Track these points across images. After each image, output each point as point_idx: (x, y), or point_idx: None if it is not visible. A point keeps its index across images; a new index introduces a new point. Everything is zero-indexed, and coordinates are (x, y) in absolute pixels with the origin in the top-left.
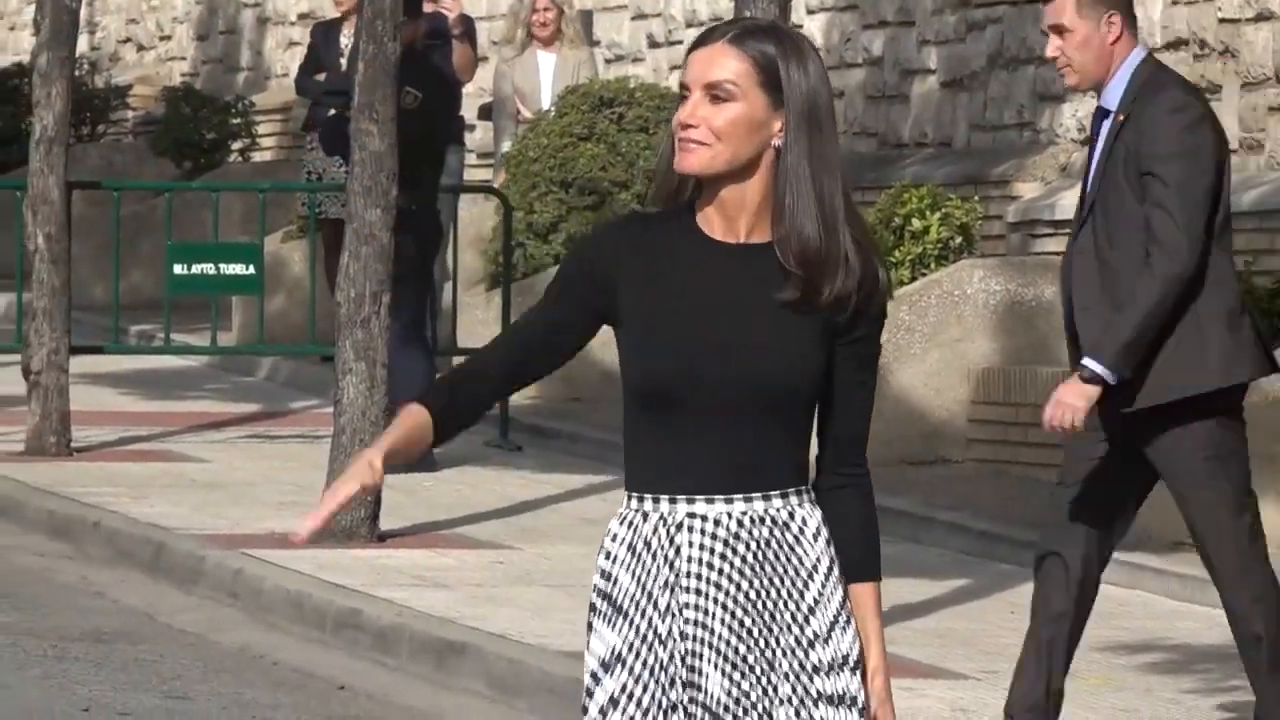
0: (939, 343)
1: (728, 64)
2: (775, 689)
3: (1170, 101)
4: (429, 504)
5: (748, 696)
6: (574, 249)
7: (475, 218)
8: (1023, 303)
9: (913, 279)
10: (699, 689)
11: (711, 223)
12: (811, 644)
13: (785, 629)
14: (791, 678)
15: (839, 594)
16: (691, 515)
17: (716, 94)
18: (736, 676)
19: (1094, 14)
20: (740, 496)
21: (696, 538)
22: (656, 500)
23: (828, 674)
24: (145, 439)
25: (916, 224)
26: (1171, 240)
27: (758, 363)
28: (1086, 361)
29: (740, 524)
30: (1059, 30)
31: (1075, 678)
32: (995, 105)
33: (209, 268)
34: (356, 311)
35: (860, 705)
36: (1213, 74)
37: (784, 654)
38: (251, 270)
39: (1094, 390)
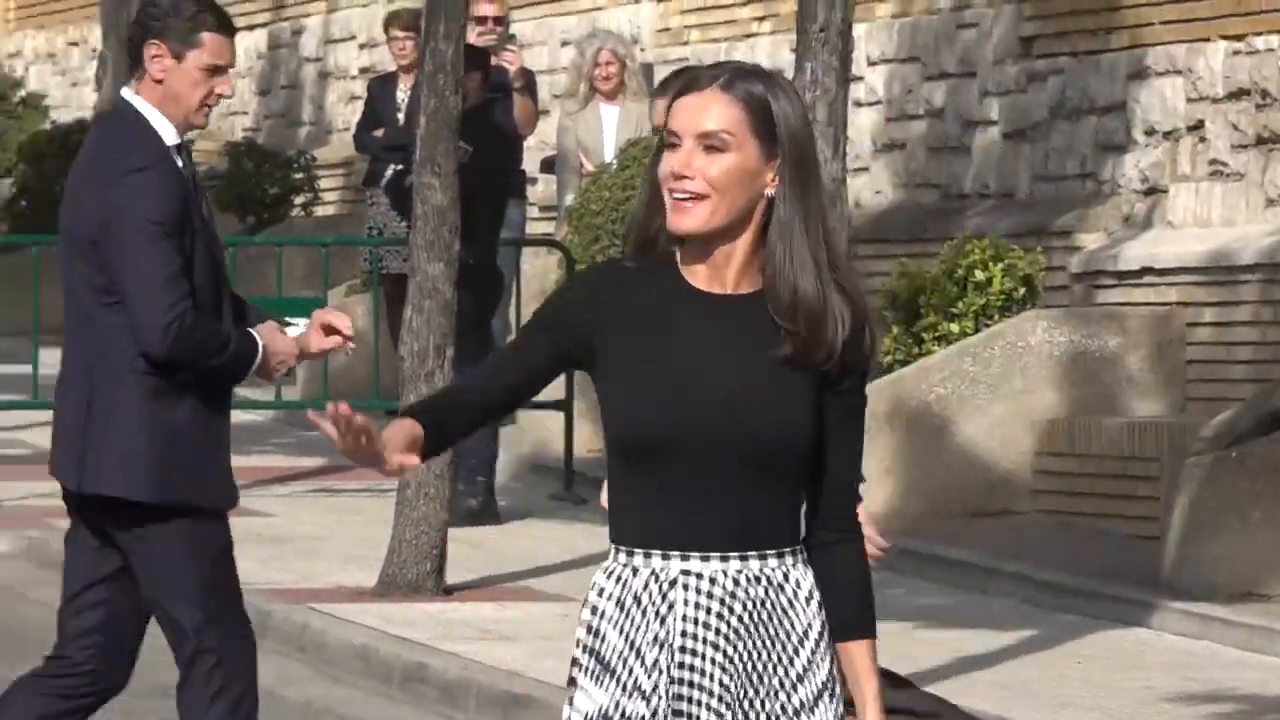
0: (1003, 394)
1: (722, 112)
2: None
3: None
4: (494, 557)
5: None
6: (554, 293)
7: (538, 271)
8: (1087, 353)
9: (976, 330)
10: (689, 717)
11: (696, 273)
12: (798, 712)
13: (773, 694)
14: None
15: (828, 663)
16: (686, 572)
17: (711, 144)
18: (720, 710)
19: None
20: (736, 555)
21: (692, 595)
22: (648, 555)
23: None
24: None
25: (979, 275)
26: None
27: (753, 418)
28: None
29: (736, 583)
30: None
31: None
32: (1057, 156)
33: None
34: (420, 366)
35: None
36: (1275, 124)
37: (768, 714)
38: None
39: None
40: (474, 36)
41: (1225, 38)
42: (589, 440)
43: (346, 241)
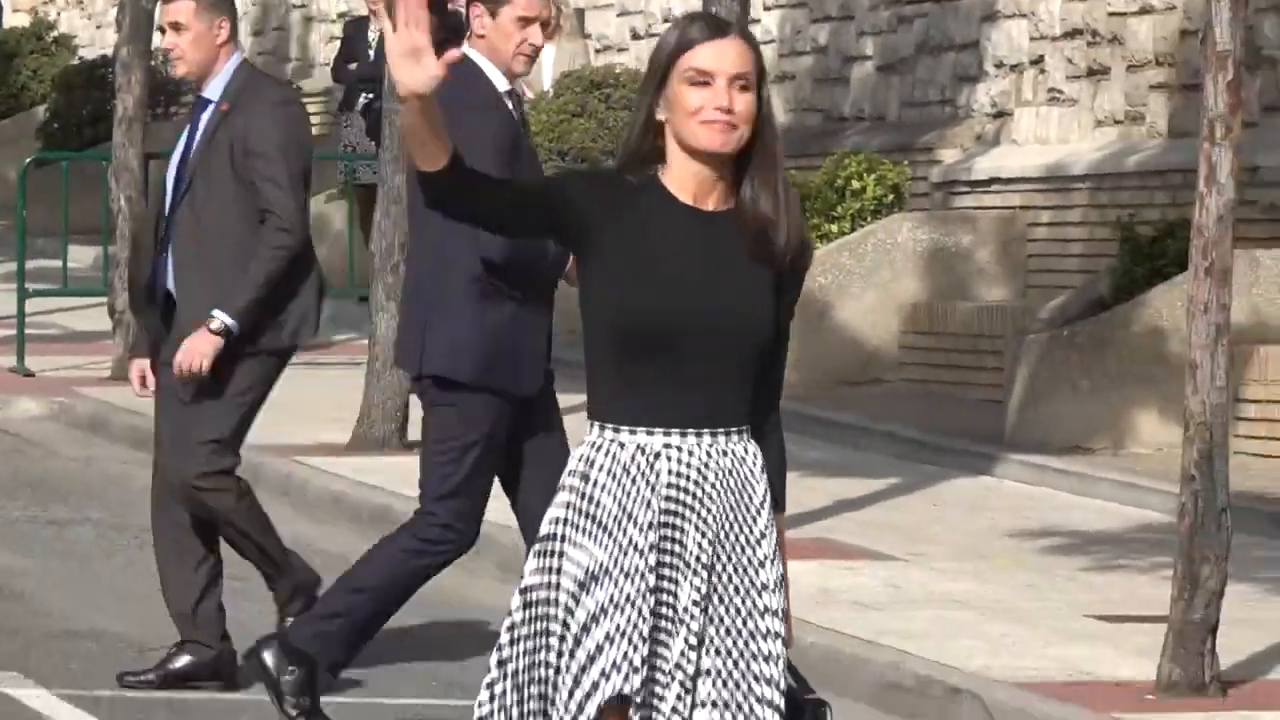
0: (874, 283)
1: (746, 56)
2: (728, 597)
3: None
4: None
5: (707, 599)
6: (552, 176)
7: None
8: (944, 249)
9: (852, 230)
10: (670, 594)
11: (684, 191)
12: (761, 565)
13: (740, 549)
14: (742, 591)
15: (774, 526)
16: (668, 445)
17: (743, 84)
18: (697, 582)
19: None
20: (708, 431)
21: (675, 465)
22: (634, 432)
23: (772, 592)
24: None
25: (855, 184)
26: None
27: (735, 313)
28: (217, 314)
29: (710, 455)
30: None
31: (986, 559)
32: (921, 85)
33: None
34: (387, 259)
35: (782, 618)
36: (1103, 58)
37: (736, 570)
38: None
39: (220, 341)
40: None
41: None
42: None
43: (326, 157)
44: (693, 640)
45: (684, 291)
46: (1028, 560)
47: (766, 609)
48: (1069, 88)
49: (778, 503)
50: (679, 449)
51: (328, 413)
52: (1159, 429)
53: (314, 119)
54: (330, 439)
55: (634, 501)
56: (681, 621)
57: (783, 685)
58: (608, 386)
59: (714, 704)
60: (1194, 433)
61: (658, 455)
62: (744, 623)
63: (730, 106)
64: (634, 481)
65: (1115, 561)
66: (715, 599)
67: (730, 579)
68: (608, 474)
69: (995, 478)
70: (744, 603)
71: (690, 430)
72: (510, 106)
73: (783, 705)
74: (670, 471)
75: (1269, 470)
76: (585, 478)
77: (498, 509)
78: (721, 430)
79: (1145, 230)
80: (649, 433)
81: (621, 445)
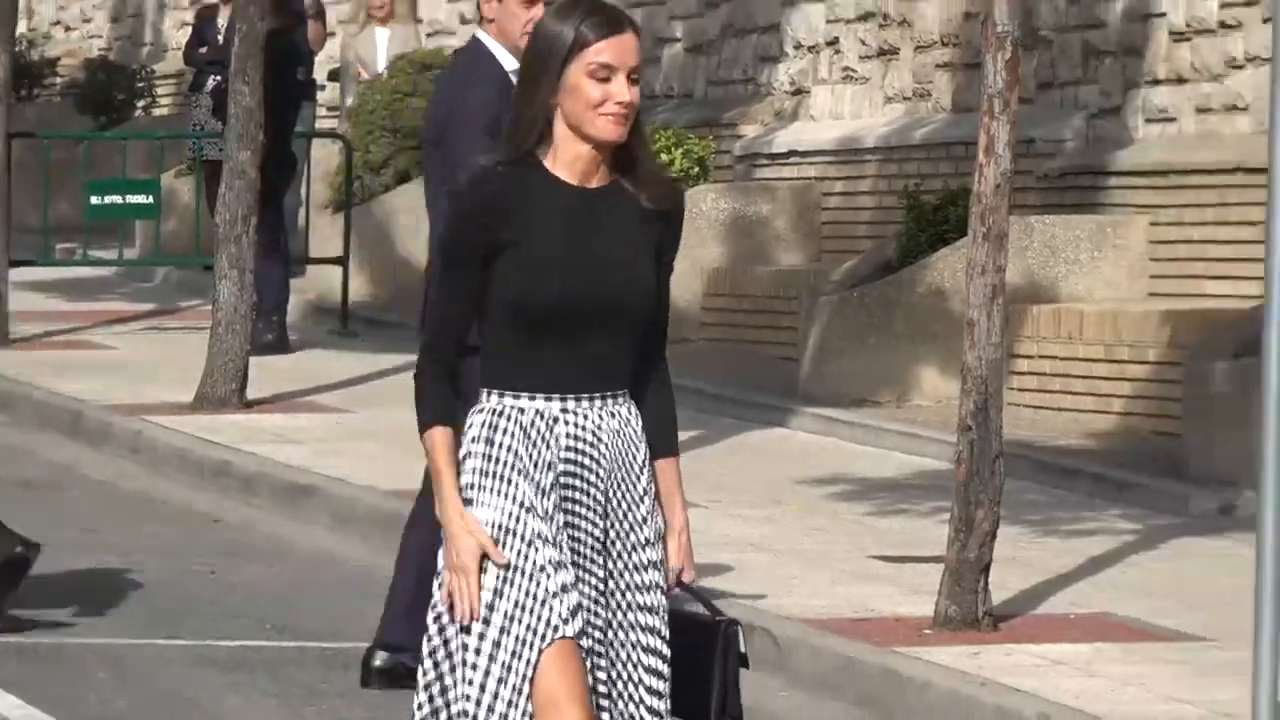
0: (680, 249)
1: (639, 49)
2: (614, 550)
3: None
4: (286, 378)
5: (600, 540)
6: (456, 226)
7: (324, 157)
8: (745, 217)
9: None
10: (575, 528)
11: (570, 172)
12: (642, 522)
13: (626, 508)
14: (628, 545)
15: (653, 484)
16: (564, 410)
17: (634, 78)
18: (596, 532)
19: None
20: (599, 395)
21: (570, 429)
22: (533, 398)
23: (651, 546)
24: (68, 332)
25: (665, 158)
26: None
27: (629, 285)
28: None
29: (601, 417)
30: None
31: (780, 505)
32: (726, 65)
33: (118, 199)
34: (231, 230)
35: (662, 569)
36: (893, 39)
37: (622, 525)
38: (151, 200)
39: None
40: None
41: None
42: (361, 288)
43: (176, 136)
44: (598, 585)
45: (581, 273)
46: (818, 506)
47: (649, 563)
48: (862, 67)
49: (672, 448)
50: (574, 413)
51: (174, 374)
52: (940, 383)
53: (166, 100)
54: (175, 399)
55: (540, 457)
56: (584, 554)
57: (664, 631)
58: (508, 358)
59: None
60: (971, 386)
61: (556, 420)
62: (630, 575)
63: (627, 99)
64: (534, 444)
65: (898, 506)
66: (611, 538)
67: (617, 533)
68: (511, 436)
69: (790, 429)
70: (629, 556)
71: (584, 395)
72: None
73: (664, 649)
74: (568, 435)
75: (1039, 421)
76: (490, 441)
77: (333, 465)
78: (610, 394)
79: (929, 199)
80: (547, 399)
81: (522, 410)
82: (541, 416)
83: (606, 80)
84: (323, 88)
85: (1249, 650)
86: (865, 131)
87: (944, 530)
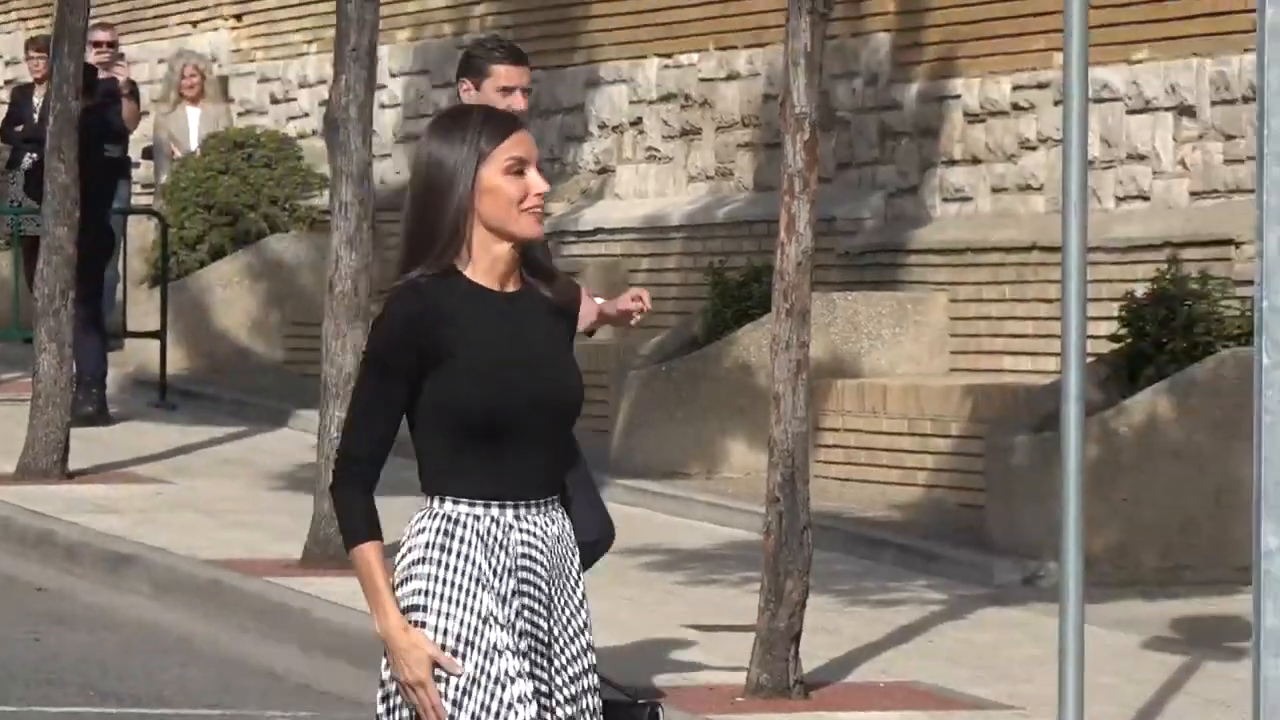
0: None
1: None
2: (555, 644)
3: None
4: (106, 449)
5: (545, 643)
6: (382, 338)
7: (140, 233)
8: None
9: None
10: (528, 634)
11: (490, 278)
12: (583, 629)
13: (570, 613)
14: (572, 649)
15: (586, 598)
16: (517, 517)
17: (539, 168)
18: (541, 624)
19: None
20: (543, 500)
21: (524, 536)
22: (487, 505)
23: (589, 652)
24: None
25: None
26: None
27: (565, 386)
28: None
29: (549, 521)
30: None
31: (592, 575)
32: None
33: None
34: (50, 305)
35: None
36: (695, 120)
37: (567, 629)
38: None
39: None
40: (92, 56)
41: (658, 55)
42: (179, 361)
43: None
44: (541, 688)
45: (517, 380)
46: (629, 576)
47: (592, 667)
48: (665, 146)
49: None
50: (525, 519)
51: None
52: (747, 455)
53: None
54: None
55: (499, 564)
56: (543, 651)
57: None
58: (451, 464)
59: None
60: (778, 458)
61: (510, 527)
62: (570, 668)
63: (545, 189)
64: (492, 552)
65: (709, 576)
66: (559, 635)
67: (555, 637)
68: (469, 545)
69: (606, 501)
70: (569, 648)
71: (532, 501)
72: None
73: None
74: (520, 543)
75: (846, 492)
76: (445, 549)
77: (153, 535)
78: (548, 499)
79: (734, 275)
80: (500, 507)
81: (477, 518)
82: (498, 524)
83: (521, 174)
84: (137, 165)
85: (1053, 719)
86: (670, 209)
87: (754, 600)
